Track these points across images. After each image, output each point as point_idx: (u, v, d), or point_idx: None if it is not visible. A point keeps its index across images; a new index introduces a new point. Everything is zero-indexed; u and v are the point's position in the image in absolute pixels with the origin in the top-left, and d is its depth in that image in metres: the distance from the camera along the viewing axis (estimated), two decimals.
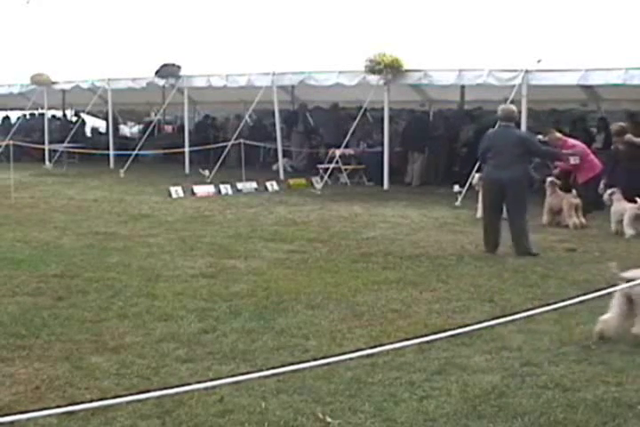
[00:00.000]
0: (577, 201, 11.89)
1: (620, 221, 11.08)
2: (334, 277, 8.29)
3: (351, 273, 8.49)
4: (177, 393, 4.65)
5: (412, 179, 17.95)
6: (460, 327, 5.98)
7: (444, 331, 5.82)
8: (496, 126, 10.95)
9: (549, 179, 12.30)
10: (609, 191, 11.45)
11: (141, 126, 27.25)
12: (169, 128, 27.92)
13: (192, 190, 15.87)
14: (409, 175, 18.07)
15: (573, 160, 12.21)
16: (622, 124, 12.82)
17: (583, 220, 11.83)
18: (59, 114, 27.21)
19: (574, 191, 12.04)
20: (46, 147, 22.39)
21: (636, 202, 10.89)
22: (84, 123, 26.21)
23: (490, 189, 9.91)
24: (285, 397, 4.93)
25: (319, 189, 16.50)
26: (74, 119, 26.10)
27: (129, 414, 4.66)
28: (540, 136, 13.09)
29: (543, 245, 10.09)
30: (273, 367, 5.17)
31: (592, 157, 12.68)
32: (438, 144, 18.18)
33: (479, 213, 12.68)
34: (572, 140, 12.86)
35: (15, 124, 25.39)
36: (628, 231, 10.86)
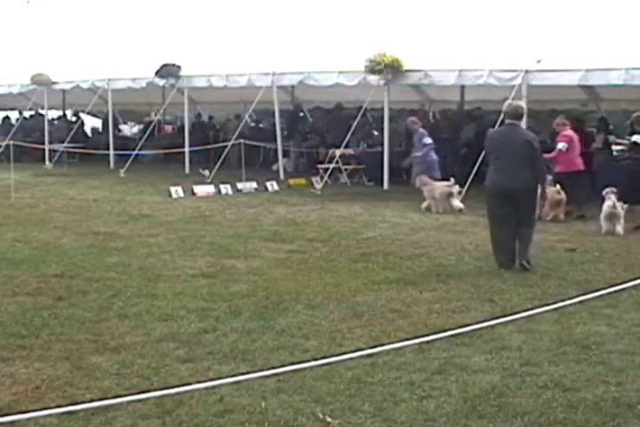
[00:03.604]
0: (560, 197, 12.18)
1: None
2: (334, 277, 8.29)
3: (351, 273, 8.49)
4: (177, 393, 4.67)
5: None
6: (460, 327, 6.00)
7: (444, 331, 5.85)
8: (497, 124, 10.58)
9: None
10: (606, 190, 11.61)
11: (141, 126, 27.27)
12: (169, 128, 27.94)
13: (192, 190, 15.87)
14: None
15: (561, 146, 12.70)
16: None
17: (562, 216, 12.27)
18: (59, 114, 27.20)
19: (558, 186, 12.22)
20: (46, 147, 22.40)
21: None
22: (82, 123, 26.22)
23: (497, 199, 8.77)
24: (285, 397, 4.93)
25: (319, 189, 16.50)
26: (73, 119, 26.10)
27: (129, 414, 4.66)
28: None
29: (543, 245, 10.08)
30: (273, 367, 5.18)
31: (575, 155, 12.92)
32: (440, 144, 18.19)
33: (424, 204, 13.45)
34: (569, 132, 13.05)
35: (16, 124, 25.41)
36: (603, 226, 11.18)
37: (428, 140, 15.39)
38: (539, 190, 8.95)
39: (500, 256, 8.72)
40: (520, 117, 9.02)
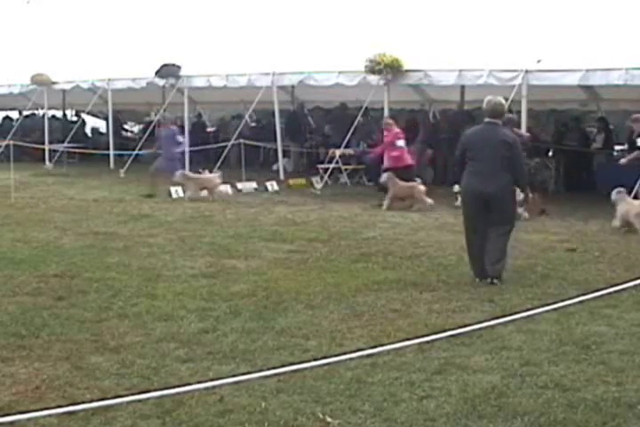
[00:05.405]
0: (423, 188, 13.91)
1: None
2: (334, 277, 8.29)
3: (351, 273, 8.49)
4: (177, 393, 4.66)
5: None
6: (460, 327, 6.00)
7: (444, 331, 5.85)
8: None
9: (385, 174, 14.01)
10: None
11: (141, 126, 27.24)
12: None
13: None
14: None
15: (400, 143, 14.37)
16: (512, 115, 12.52)
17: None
18: (59, 114, 27.18)
19: (418, 180, 14.04)
20: (46, 147, 22.39)
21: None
22: (84, 123, 26.18)
23: (473, 204, 8.13)
24: (285, 397, 4.93)
25: (319, 189, 16.50)
26: (74, 119, 26.08)
27: (129, 414, 4.66)
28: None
29: (543, 245, 10.10)
30: (273, 367, 5.18)
31: (404, 152, 14.47)
32: (440, 144, 18.23)
33: (188, 194, 14.78)
34: (398, 130, 14.62)
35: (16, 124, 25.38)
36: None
37: (182, 139, 16.89)
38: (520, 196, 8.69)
39: (475, 264, 8.19)
40: (500, 116, 8.23)
